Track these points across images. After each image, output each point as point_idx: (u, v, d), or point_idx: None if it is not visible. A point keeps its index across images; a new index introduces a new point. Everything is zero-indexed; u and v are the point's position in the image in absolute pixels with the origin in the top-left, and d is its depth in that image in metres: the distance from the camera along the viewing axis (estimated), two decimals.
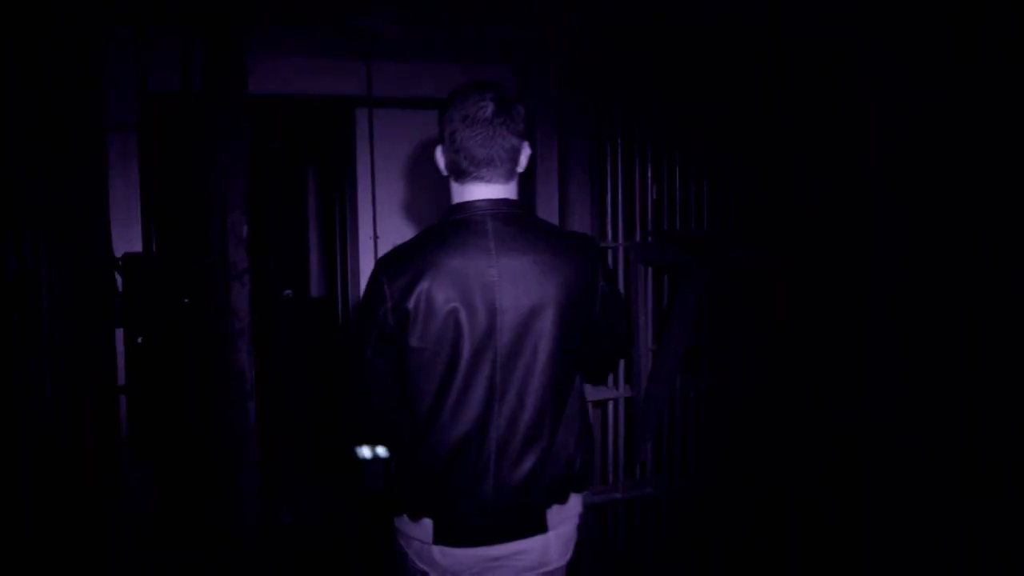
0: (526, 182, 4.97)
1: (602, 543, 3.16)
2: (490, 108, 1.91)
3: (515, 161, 1.96)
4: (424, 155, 4.90)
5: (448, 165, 2.00)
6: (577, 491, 2.01)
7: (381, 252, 3.98)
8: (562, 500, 1.97)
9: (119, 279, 2.83)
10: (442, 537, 1.91)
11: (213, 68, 2.54)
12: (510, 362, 1.88)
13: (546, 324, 1.88)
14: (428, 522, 1.92)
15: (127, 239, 3.18)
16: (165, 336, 2.74)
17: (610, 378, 3.08)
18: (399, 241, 4.17)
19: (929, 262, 3.06)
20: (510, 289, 1.86)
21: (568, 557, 2.06)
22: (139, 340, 2.70)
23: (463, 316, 1.84)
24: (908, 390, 3.14)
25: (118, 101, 3.08)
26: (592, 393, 3.03)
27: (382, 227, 4.70)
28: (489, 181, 1.95)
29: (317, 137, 5.13)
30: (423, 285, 1.85)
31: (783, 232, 3.18)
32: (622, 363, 3.05)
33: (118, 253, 2.75)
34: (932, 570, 3.09)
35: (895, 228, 3.15)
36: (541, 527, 1.94)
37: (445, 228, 1.98)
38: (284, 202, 5.30)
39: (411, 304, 1.85)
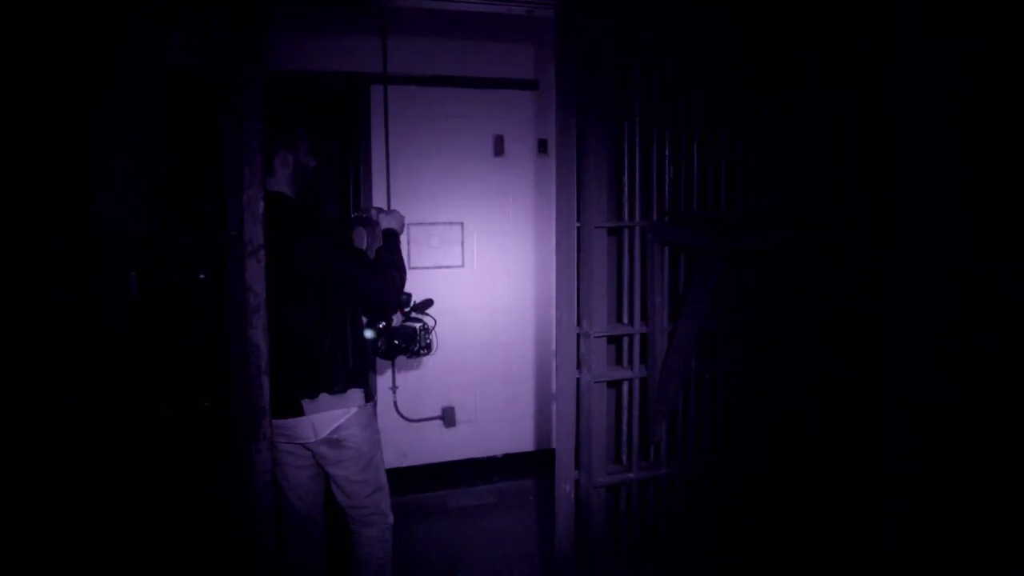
0: (546, 162, 4.97)
1: (615, 523, 3.17)
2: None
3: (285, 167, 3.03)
4: (439, 132, 4.89)
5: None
6: (329, 392, 2.96)
7: None
8: (312, 396, 2.95)
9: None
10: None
11: (233, 45, 2.52)
12: (286, 313, 2.89)
13: (302, 286, 2.89)
14: None
15: (150, 214, 3.19)
16: (181, 312, 2.75)
17: (625, 358, 3.08)
18: (414, 219, 4.16)
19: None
20: (287, 261, 2.85)
21: (319, 438, 3.00)
22: (156, 316, 2.71)
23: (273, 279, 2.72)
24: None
25: (142, 76, 3.07)
26: (607, 373, 3.04)
27: (396, 204, 4.70)
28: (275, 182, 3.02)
29: (331, 114, 5.11)
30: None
31: (803, 213, 3.16)
32: (637, 344, 3.05)
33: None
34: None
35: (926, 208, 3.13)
36: (298, 412, 2.96)
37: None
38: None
39: None
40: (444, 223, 4.87)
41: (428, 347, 3.43)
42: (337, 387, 2.98)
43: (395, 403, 4.80)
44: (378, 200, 4.72)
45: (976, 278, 2.97)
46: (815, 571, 3.28)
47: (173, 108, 2.76)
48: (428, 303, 3.53)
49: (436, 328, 3.43)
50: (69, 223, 2.54)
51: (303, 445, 3.06)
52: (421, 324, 3.38)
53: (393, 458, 4.74)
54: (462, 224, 4.90)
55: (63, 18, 2.47)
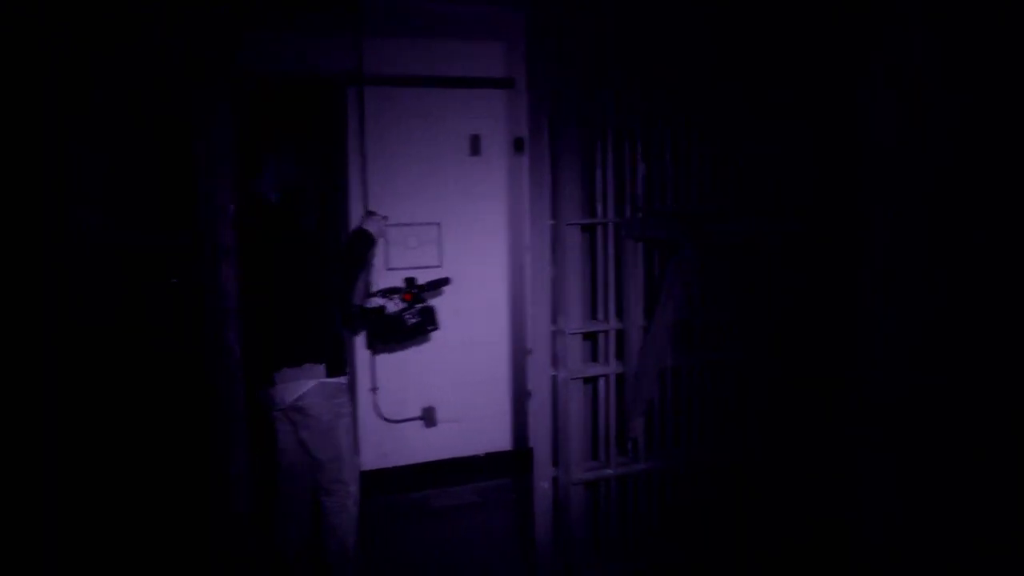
0: (522, 161, 4.98)
1: (595, 518, 3.18)
2: None
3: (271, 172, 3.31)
4: (415, 133, 4.88)
5: None
6: (288, 366, 3.25)
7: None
8: (277, 369, 3.25)
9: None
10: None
11: (200, 49, 2.52)
12: (257, 301, 3.13)
13: (267, 279, 3.20)
14: None
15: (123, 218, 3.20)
16: (152, 317, 2.75)
17: (601, 354, 3.09)
18: (392, 220, 4.20)
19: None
20: (261, 259, 3.17)
21: (286, 404, 3.28)
22: (129, 319, 2.72)
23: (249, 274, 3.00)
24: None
25: (114, 79, 3.07)
26: (583, 370, 3.05)
27: (374, 205, 4.69)
28: None
29: (307, 115, 5.10)
30: None
31: (775, 203, 3.18)
32: (613, 340, 3.06)
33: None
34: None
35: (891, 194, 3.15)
36: (272, 383, 3.26)
37: None
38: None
39: None
40: (421, 223, 4.86)
41: (426, 321, 3.85)
42: (293, 362, 3.29)
43: (376, 404, 4.79)
44: (355, 202, 4.71)
45: (942, 263, 2.99)
46: (791, 559, 3.30)
47: (148, 114, 2.75)
48: (441, 282, 4.01)
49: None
50: (40, 225, 2.52)
51: (284, 411, 3.39)
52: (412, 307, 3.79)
53: (375, 459, 4.74)
54: (439, 224, 4.89)
55: (41, 22, 2.46)
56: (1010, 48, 2.75)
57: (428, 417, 4.93)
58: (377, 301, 3.92)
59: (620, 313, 3.07)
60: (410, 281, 3.98)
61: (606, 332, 3.07)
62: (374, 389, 4.79)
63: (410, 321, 3.80)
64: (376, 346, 4.56)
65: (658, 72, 3.06)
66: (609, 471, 3.11)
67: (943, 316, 3.02)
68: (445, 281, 4.08)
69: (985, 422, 2.89)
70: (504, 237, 5.09)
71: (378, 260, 4.53)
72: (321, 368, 3.29)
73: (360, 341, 4.57)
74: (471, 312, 5.00)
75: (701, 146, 3.12)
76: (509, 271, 5.11)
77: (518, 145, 5.04)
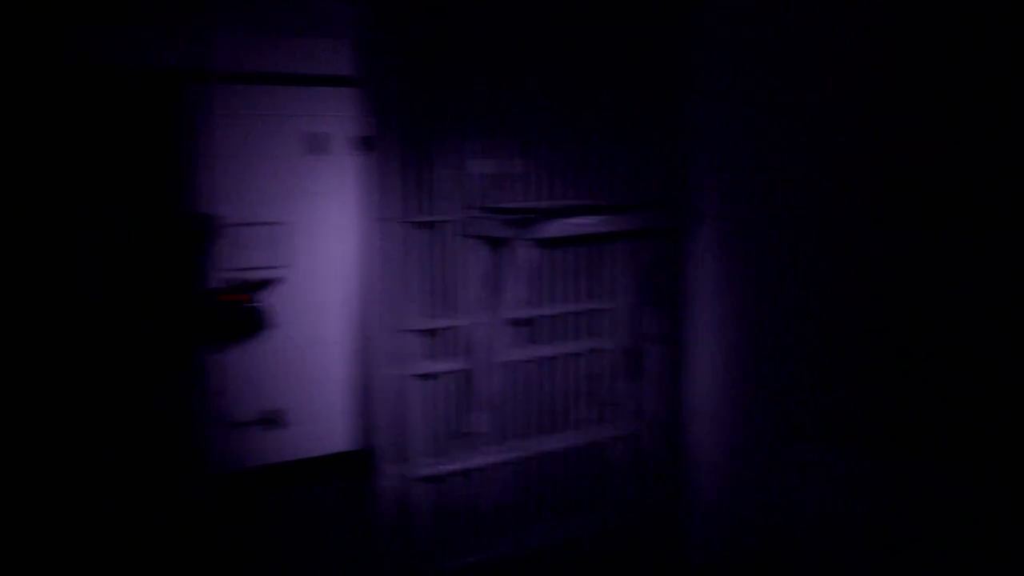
0: (366, 159, 4.96)
1: (443, 512, 3.21)
2: None
3: None
4: (263, 130, 4.81)
5: None
6: None
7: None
8: None
9: None
10: None
11: (24, 41, 2.43)
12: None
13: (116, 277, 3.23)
14: None
15: None
16: None
17: (444, 351, 3.13)
18: (240, 220, 4.21)
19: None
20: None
21: None
22: None
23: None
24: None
25: None
26: (426, 367, 3.08)
27: (221, 205, 4.60)
28: None
29: (147, 112, 4.94)
30: None
31: (618, 200, 3.31)
32: (455, 336, 3.11)
33: None
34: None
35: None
36: None
37: None
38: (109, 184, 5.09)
39: None
40: (269, 223, 4.79)
41: (260, 321, 3.88)
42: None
43: (222, 406, 4.70)
44: (196, 202, 4.60)
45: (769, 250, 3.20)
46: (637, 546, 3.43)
47: None
48: (272, 281, 4.07)
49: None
50: None
51: None
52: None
53: (223, 461, 4.64)
54: (286, 223, 4.83)
55: None
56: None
57: (275, 418, 4.86)
58: (213, 301, 3.91)
59: (462, 310, 3.12)
60: (244, 281, 4.09)
61: (449, 329, 3.11)
62: (219, 391, 4.69)
63: (244, 321, 3.83)
64: (217, 347, 4.49)
65: (503, 71, 3.12)
66: (453, 466, 3.15)
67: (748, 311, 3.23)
68: (275, 280, 4.18)
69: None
70: (350, 235, 5.07)
71: (221, 260, 4.44)
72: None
73: (206, 342, 4.48)
74: (316, 311, 4.96)
75: (549, 144, 3.21)
76: (354, 269, 5.10)
77: (365, 143, 5.03)
